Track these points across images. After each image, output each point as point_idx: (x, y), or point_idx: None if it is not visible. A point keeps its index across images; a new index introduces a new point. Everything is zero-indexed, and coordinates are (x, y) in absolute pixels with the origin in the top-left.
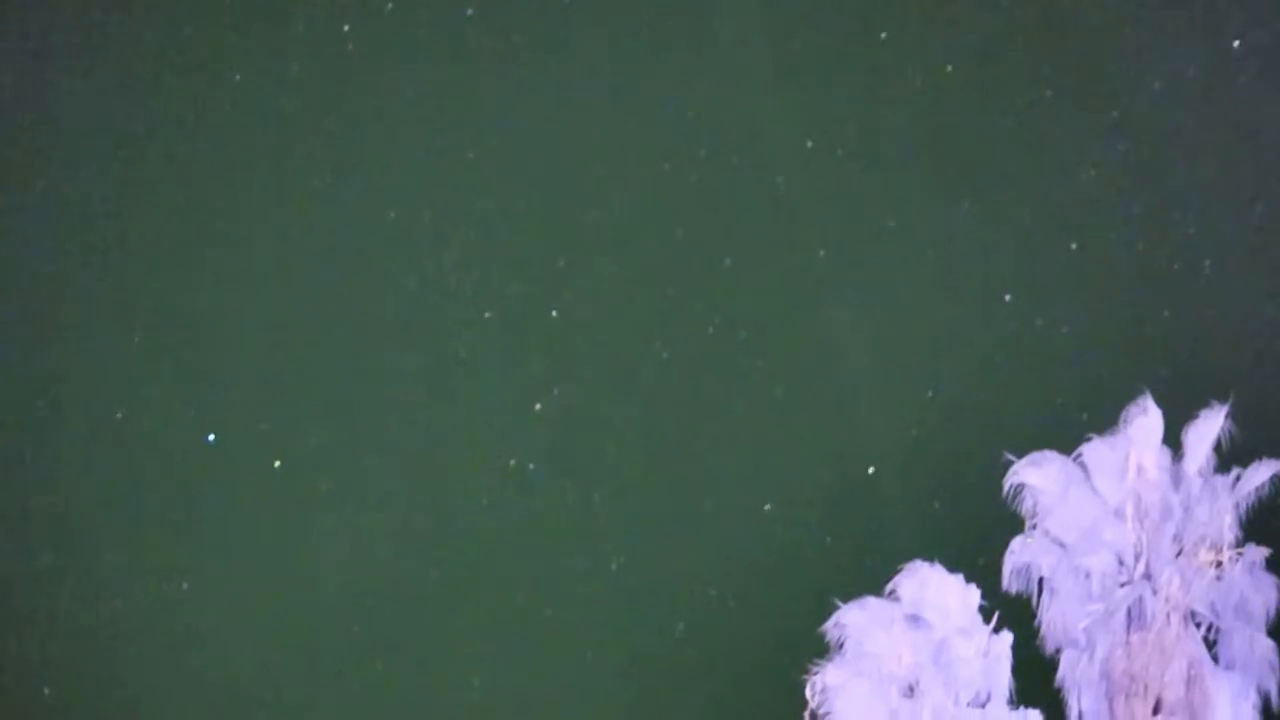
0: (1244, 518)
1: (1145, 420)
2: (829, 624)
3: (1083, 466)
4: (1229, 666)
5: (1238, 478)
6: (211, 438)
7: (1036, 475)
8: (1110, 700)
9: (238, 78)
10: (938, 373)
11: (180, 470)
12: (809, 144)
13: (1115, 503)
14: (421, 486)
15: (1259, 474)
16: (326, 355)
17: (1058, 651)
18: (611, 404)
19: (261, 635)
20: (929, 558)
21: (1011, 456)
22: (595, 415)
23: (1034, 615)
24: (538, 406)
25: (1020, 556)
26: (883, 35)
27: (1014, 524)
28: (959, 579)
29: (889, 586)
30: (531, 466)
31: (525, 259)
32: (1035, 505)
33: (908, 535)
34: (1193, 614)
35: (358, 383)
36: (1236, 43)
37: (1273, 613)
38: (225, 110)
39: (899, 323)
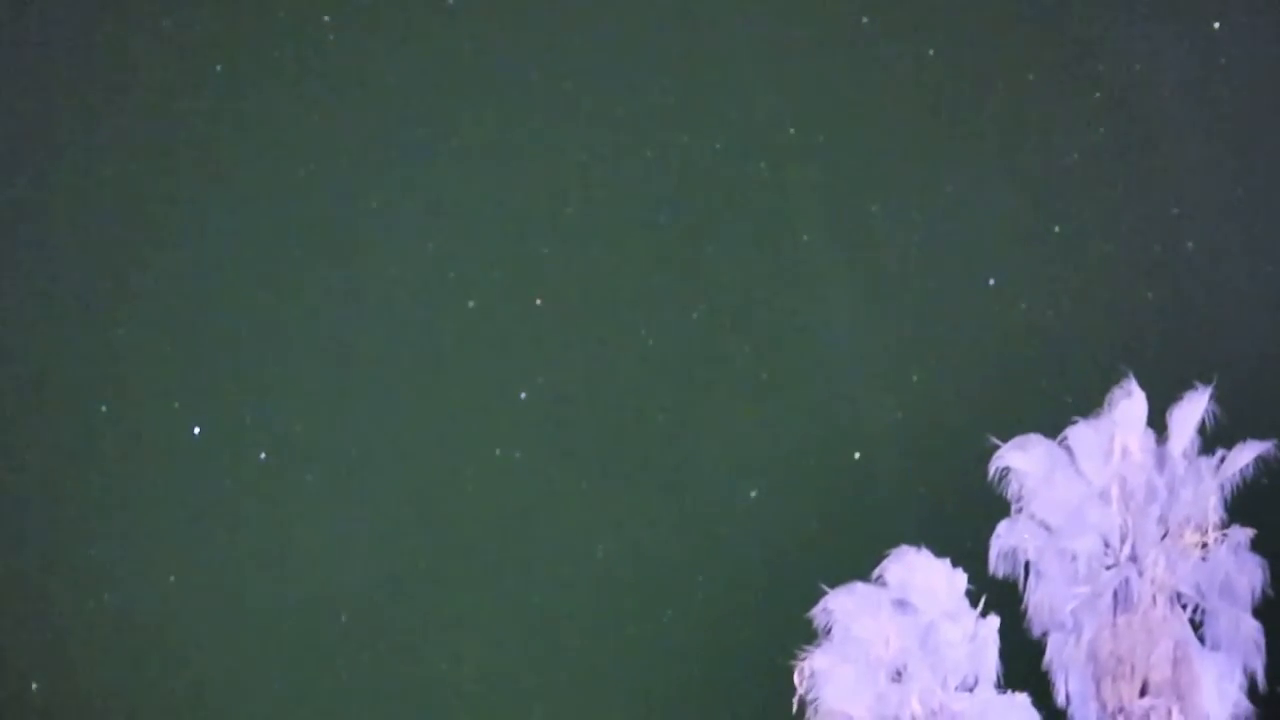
0: (1228, 499)
1: (1129, 403)
2: (816, 609)
3: (1068, 449)
4: (1215, 647)
5: (1222, 459)
6: (197, 430)
7: (1021, 459)
8: (1097, 682)
9: (218, 69)
10: (922, 357)
11: (166, 463)
12: (791, 130)
13: (1100, 485)
14: (406, 476)
15: (1243, 455)
16: (310, 346)
17: (1045, 634)
18: (596, 392)
19: (248, 627)
20: (916, 542)
21: (996, 440)
22: (580, 403)
23: (1021, 598)
24: (523, 395)
25: (1006, 540)
26: (864, 20)
27: (1000, 507)
28: (946, 563)
29: (876, 571)
30: (517, 455)
31: (508, 247)
32: (1021, 489)
33: (894, 520)
34: (1178, 595)
35: (342, 373)
36: (1217, 24)
37: (1258, 593)
38: (206, 102)
39: (883, 307)
